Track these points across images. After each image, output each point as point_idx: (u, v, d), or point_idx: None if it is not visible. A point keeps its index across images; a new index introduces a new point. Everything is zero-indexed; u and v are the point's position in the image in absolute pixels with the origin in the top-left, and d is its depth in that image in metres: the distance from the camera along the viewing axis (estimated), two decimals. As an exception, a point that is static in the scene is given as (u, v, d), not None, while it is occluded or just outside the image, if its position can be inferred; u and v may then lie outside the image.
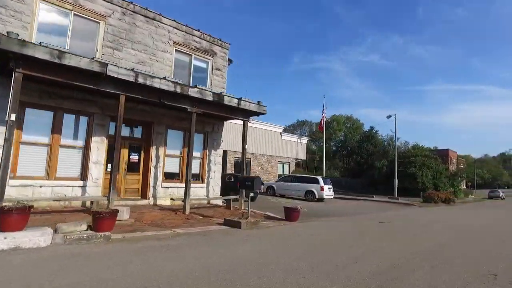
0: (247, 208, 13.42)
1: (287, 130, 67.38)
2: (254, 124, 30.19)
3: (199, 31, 14.20)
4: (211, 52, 14.67)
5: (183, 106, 10.96)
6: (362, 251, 6.68)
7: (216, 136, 14.95)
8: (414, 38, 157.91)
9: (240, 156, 29.17)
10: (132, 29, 12.03)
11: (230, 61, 16.17)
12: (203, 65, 14.60)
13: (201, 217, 10.36)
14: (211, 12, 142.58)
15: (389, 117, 30.26)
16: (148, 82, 9.61)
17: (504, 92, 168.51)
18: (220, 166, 15.04)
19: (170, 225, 8.74)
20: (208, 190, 14.41)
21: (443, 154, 49.34)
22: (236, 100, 12.37)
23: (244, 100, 12.69)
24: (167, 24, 13.12)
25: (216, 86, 14.85)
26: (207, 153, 14.59)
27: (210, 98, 11.22)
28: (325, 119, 31.83)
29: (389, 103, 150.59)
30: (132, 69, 9.53)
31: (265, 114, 13.72)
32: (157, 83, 9.76)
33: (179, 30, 13.53)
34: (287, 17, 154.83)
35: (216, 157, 14.90)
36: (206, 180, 14.40)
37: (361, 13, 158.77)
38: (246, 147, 13.56)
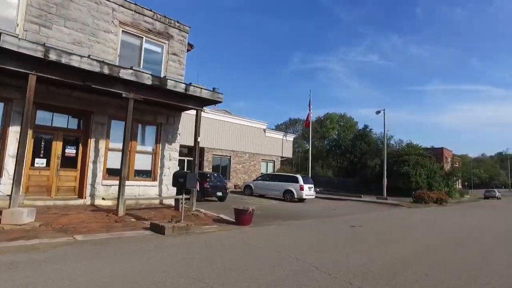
0: (201, 210, 11.95)
1: (279, 128, 65.75)
2: (235, 119, 28.68)
3: (151, 10, 12.66)
4: (166, 35, 13.12)
5: (116, 91, 9.41)
6: (290, 271, 5.12)
7: (172, 129, 13.39)
8: (413, 38, 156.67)
9: (219, 153, 27.80)
10: (65, 4, 10.48)
11: (190, 46, 14.63)
12: (157, 49, 13.05)
13: (134, 220, 8.83)
14: (211, 11, 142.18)
15: (378, 112, 28.79)
16: (64, 60, 8.06)
17: (502, 92, 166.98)
18: (176, 162, 13.49)
19: (83, 230, 7.22)
20: (161, 189, 12.87)
21: (438, 153, 47.89)
22: (183, 86, 10.82)
23: (194, 86, 11.15)
24: (111, 1, 11.58)
25: (173, 73, 13.30)
26: (160, 148, 13.03)
27: (149, 82, 9.67)
28: (311, 116, 30.31)
29: (388, 103, 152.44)
30: (44, 44, 7.99)
31: (220, 102, 12.17)
32: (75, 62, 8.21)
33: (127, 8, 11.98)
34: (286, 17, 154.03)
35: (171, 152, 13.36)
36: (158, 177, 12.87)
37: (360, 13, 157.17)
38: (199, 139, 11.98)
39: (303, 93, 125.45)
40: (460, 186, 60.08)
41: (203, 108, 12.48)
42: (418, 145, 48.05)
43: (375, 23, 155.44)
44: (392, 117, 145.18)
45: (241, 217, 9.53)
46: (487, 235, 10.77)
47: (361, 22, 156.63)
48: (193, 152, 12.18)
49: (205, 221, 9.74)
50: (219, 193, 17.20)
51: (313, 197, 21.48)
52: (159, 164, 13.01)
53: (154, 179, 12.89)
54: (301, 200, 20.92)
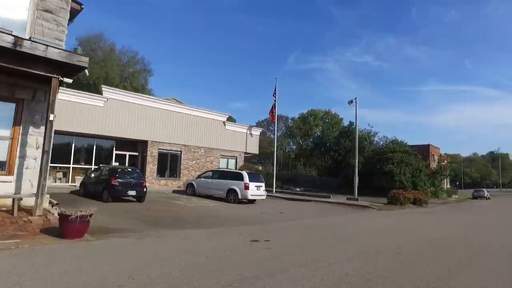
0: (54, 212, 8.49)
1: (261, 125, 62.34)
2: (187, 110, 25.17)
3: None
4: (28, -21, 9.57)
5: None
6: None
7: (40, 108, 9.81)
8: (407, 39, 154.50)
9: (167, 148, 23.95)
10: None
11: (78, 4, 11.10)
12: (16, 2, 9.51)
13: None
14: (206, 12, 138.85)
15: (350, 102, 25.41)
16: None
17: (495, 93, 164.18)
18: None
19: None
20: (20, 186, 9.32)
21: (424, 150, 44.72)
22: (11, 39, 7.30)
23: (35, 41, 7.63)
24: None
25: (48, 36, 9.78)
26: (21, 132, 9.48)
27: None
28: (276, 106, 26.83)
29: (383, 104, 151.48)
30: None
31: (85, 68, 8.63)
32: None
33: None
34: (281, 17, 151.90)
35: (38, 137, 9.79)
36: (16, 170, 9.31)
37: (355, 14, 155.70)
38: (51, 118, 8.45)
39: (299, 93, 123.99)
40: (448, 186, 57.16)
41: (62, 77, 8.91)
42: (403, 141, 44.93)
43: (371, 24, 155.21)
44: (386, 117, 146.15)
45: (66, 227, 6.04)
46: (459, 248, 7.40)
47: (356, 23, 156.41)
48: (44, 136, 8.63)
49: (30, 231, 6.26)
50: (132, 192, 13.68)
51: (263, 197, 18.02)
52: (18, 153, 9.45)
53: (10, 173, 9.34)
54: (250, 201, 17.50)
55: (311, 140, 62.94)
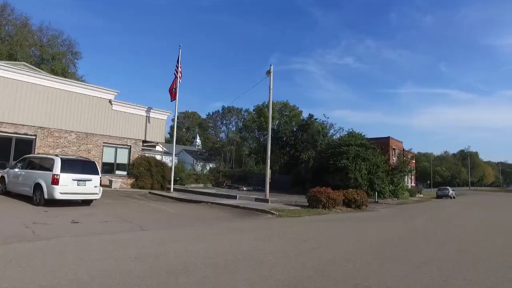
0: None
1: (212, 118, 56.17)
2: (49, 81, 18.63)
3: None
4: None
5: None
6: None
7: None
8: (386, 42, 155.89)
9: (10, 131, 15.82)
10: None
11: None
12: None
13: None
14: (189, 12, 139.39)
15: (268, 73, 19.40)
16: None
17: (468, 96, 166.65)
18: None
19: None
20: None
21: (383, 144, 39.66)
22: None
23: None
24: None
25: None
26: None
27: None
28: (178, 82, 20.55)
29: (363, 105, 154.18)
30: None
31: None
32: None
33: None
34: (263, 18, 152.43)
35: None
36: None
37: (336, 16, 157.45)
38: None
39: (280, 94, 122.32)
40: (413, 184, 52.67)
41: None
42: (360, 134, 39.85)
43: (350, 27, 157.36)
44: (366, 118, 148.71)
45: None
46: None
47: (337, 25, 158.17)
48: None
49: None
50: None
51: (94, 196, 11.70)
52: None
53: None
54: (85, 202, 11.30)
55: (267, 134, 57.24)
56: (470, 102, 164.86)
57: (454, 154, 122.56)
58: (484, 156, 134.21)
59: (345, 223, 11.30)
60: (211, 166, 56.91)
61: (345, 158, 35.47)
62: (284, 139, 51.68)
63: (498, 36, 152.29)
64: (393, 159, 37.87)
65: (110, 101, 20.62)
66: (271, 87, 18.16)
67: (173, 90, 20.65)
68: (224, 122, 56.54)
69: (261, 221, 11.23)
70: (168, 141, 72.70)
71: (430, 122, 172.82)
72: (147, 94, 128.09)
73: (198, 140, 62.69)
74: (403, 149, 47.71)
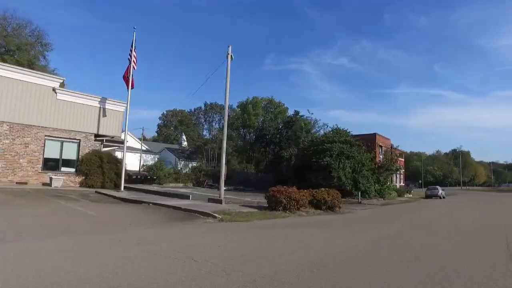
0: None
1: (194, 114, 53.61)
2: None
3: None
4: None
5: None
6: None
7: None
8: (382, 43, 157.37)
9: None
10: None
11: None
12: None
13: None
14: (185, 12, 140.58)
15: (227, 56, 17.05)
16: None
17: (461, 97, 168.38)
18: None
19: None
20: None
21: (369, 140, 37.65)
22: None
23: None
24: None
25: None
26: None
27: None
28: (132, 69, 18.20)
29: (359, 105, 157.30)
30: None
31: None
32: None
33: None
34: (259, 18, 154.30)
35: None
36: None
37: (332, 17, 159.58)
38: None
39: (275, 94, 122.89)
40: (402, 183, 50.82)
41: None
42: (345, 130, 37.88)
43: (346, 27, 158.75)
44: (362, 118, 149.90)
45: None
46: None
47: (333, 26, 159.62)
48: None
49: None
50: None
51: None
52: None
53: None
54: None
55: (252, 131, 54.92)
56: (465, 102, 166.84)
57: (446, 154, 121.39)
58: (479, 156, 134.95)
59: (294, 231, 9.06)
60: (193, 164, 54.70)
61: (329, 156, 33.49)
62: (268, 136, 49.52)
63: (493, 37, 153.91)
64: (380, 157, 35.86)
65: (54, 90, 18.20)
66: (228, 72, 15.89)
67: (128, 77, 18.27)
68: (208, 119, 54.13)
69: (190, 226, 8.98)
70: (156, 139, 70.18)
71: (427, 122, 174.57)
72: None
73: (184, 138, 60.19)
74: (391, 146, 45.80)
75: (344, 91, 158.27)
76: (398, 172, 39.72)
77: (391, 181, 42.32)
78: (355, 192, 32.14)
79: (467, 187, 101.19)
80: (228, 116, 56.77)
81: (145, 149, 59.07)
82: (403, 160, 53.51)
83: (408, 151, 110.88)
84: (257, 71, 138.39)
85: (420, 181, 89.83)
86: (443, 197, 40.30)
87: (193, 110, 54.36)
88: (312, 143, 36.64)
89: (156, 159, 53.61)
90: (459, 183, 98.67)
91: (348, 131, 37.11)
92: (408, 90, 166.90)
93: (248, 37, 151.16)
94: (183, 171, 48.93)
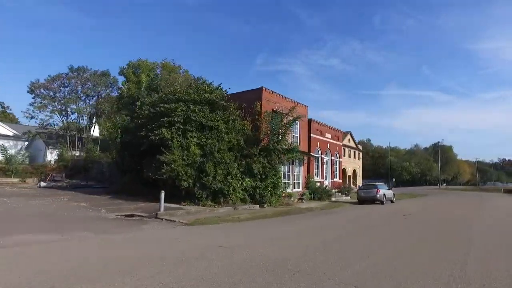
0: None
1: (36, 86, 36.48)
2: None
3: None
4: None
5: None
6: None
7: None
8: (371, 44, 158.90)
9: None
10: None
11: None
12: None
13: None
14: (174, 11, 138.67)
15: None
16: None
17: (447, 98, 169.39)
18: None
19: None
20: None
21: (252, 99, 21.08)
22: None
23: None
24: None
25: None
26: None
27: None
28: None
29: (348, 105, 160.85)
30: None
31: None
32: None
33: None
34: (249, 19, 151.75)
35: None
36: None
37: (322, 18, 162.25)
38: None
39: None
40: (337, 179, 34.49)
41: None
42: (209, 84, 21.48)
43: (336, 29, 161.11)
44: (351, 118, 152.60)
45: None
46: None
47: (323, 27, 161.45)
48: None
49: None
50: None
51: None
52: None
53: None
54: None
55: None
56: (451, 103, 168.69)
57: (426, 148, 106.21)
58: (465, 157, 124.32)
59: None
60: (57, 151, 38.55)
61: (164, 126, 17.47)
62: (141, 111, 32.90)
63: (478, 41, 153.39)
64: (269, 127, 19.37)
65: None
66: None
67: None
68: (50, 95, 37.37)
69: None
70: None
71: (412, 122, 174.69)
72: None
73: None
74: (293, 107, 29.58)
75: (333, 91, 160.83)
76: (298, 158, 23.21)
77: (313, 176, 26.05)
78: (199, 193, 16.54)
79: (446, 186, 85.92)
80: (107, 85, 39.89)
81: (11, 134, 42.08)
82: (314, 136, 37.51)
83: (384, 146, 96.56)
84: (249, 71, 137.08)
85: (393, 179, 74.36)
86: (392, 202, 24.27)
87: (49, 76, 37.07)
88: (152, 104, 20.02)
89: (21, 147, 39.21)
90: (436, 181, 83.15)
91: (213, 85, 20.78)
92: (396, 91, 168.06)
93: (237, 37, 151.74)
94: (16, 162, 32.40)
